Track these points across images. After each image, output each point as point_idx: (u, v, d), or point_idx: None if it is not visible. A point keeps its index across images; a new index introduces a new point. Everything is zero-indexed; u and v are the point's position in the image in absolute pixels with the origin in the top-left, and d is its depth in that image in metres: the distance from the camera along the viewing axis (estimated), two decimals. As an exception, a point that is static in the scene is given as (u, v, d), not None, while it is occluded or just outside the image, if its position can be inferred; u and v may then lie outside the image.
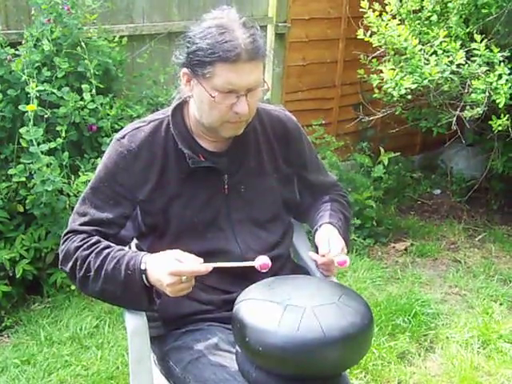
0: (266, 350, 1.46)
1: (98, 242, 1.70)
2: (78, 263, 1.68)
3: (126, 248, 1.74)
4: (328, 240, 1.79)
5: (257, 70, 1.66)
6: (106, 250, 1.68)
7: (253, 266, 1.61)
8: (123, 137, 1.77)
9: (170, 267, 1.56)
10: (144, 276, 1.62)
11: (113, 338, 3.01)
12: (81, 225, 1.74)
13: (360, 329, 1.50)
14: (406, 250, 4.12)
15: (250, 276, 1.67)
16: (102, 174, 1.77)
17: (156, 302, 1.70)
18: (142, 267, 1.62)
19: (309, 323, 1.45)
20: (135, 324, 1.74)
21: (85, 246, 1.69)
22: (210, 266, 1.57)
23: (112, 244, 1.71)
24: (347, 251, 1.85)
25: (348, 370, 1.84)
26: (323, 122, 4.51)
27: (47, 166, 2.99)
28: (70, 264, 1.70)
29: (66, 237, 1.75)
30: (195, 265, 1.57)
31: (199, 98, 1.69)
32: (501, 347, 2.99)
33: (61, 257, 1.74)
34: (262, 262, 1.60)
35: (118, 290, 1.66)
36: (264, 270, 1.59)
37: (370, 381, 2.75)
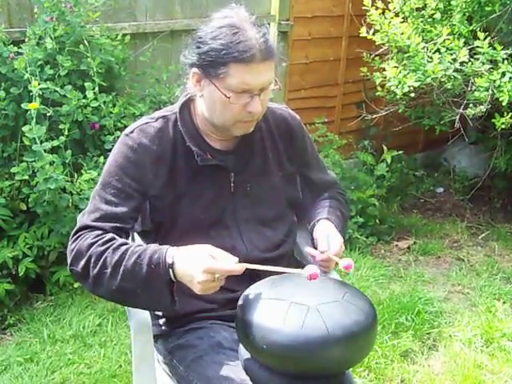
0: (269, 348, 1.45)
1: (114, 238, 1.62)
2: (93, 260, 1.59)
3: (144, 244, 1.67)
4: (327, 236, 1.79)
5: (270, 70, 1.66)
6: (124, 246, 1.60)
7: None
8: (132, 131, 1.76)
9: (205, 264, 1.49)
10: (171, 270, 1.54)
11: (116, 336, 3.01)
12: (93, 221, 1.66)
13: (364, 327, 1.50)
14: (408, 248, 4.12)
15: (254, 274, 1.66)
16: (112, 168, 1.73)
17: (176, 301, 1.60)
18: (169, 261, 1.54)
19: (313, 321, 1.45)
20: (138, 322, 1.74)
21: (99, 242, 1.60)
22: (244, 266, 1.52)
23: (128, 241, 1.65)
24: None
25: (351, 369, 1.84)
26: (326, 120, 4.51)
27: (50, 164, 2.98)
28: (83, 262, 1.60)
29: (76, 235, 1.66)
30: (231, 264, 1.52)
31: (211, 98, 1.68)
32: (504, 346, 2.98)
33: (71, 257, 1.64)
34: (313, 271, 1.53)
35: (139, 288, 1.57)
36: (314, 280, 1.52)
37: (373, 379, 2.75)
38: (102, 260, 1.58)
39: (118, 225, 1.67)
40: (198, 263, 1.50)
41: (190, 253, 1.55)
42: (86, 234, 1.64)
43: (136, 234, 1.88)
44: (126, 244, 1.62)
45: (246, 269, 1.61)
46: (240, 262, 1.71)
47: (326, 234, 1.80)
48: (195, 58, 1.67)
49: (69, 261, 1.65)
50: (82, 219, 1.69)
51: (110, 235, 1.63)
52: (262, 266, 1.57)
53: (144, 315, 1.74)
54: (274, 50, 1.66)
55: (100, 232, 1.64)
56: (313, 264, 1.59)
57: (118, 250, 1.59)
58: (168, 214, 1.75)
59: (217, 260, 1.51)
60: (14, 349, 2.92)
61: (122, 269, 1.56)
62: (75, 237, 1.66)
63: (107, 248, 1.59)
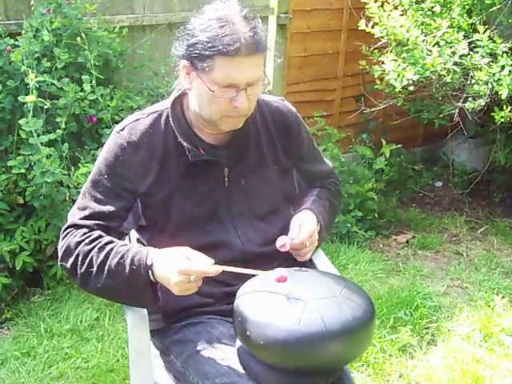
0: (267, 344, 1.45)
1: (100, 236, 1.67)
2: (80, 258, 1.64)
3: (129, 243, 1.71)
4: (300, 225, 1.78)
5: (257, 65, 1.64)
6: (110, 245, 1.64)
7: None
8: (122, 129, 1.76)
9: (179, 265, 1.53)
10: (150, 272, 1.59)
11: (113, 330, 3.01)
12: (81, 219, 1.71)
13: (362, 322, 1.49)
14: (407, 242, 4.11)
15: (251, 269, 1.65)
16: (102, 166, 1.74)
17: (160, 299, 1.67)
18: (149, 262, 1.59)
19: (310, 317, 1.44)
20: (135, 317, 1.74)
21: (86, 240, 1.65)
22: (220, 268, 1.55)
23: (114, 239, 1.68)
24: (323, 236, 1.87)
25: (349, 364, 1.83)
26: (324, 113, 4.49)
27: (47, 157, 2.97)
28: (71, 260, 1.66)
29: (65, 232, 1.71)
30: (206, 265, 1.54)
31: (198, 91, 1.67)
32: (502, 340, 2.98)
33: (61, 253, 1.70)
34: (281, 274, 1.56)
35: (122, 286, 1.63)
36: (282, 283, 1.55)
37: (372, 374, 2.74)
38: (88, 259, 1.63)
39: (105, 223, 1.70)
40: (174, 265, 1.54)
41: (167, 255, 1.59)
42: (73, 231, 1.69)
43: (133, 230, 1.88)
44: (112, 243, 1.66)
45: (243, 263, 1.60)
46: (235, 257, 1.71)
47: (299, 223, 1.79)
48: (184, 50, 1.66)
49: (59, 256, 1.70)
50: (71, 217, 1.74)
51: (96, 233, 1.67)
52: (236, 269, 1.59)
53: (141, 310, 1.74)
54: (263, 44, 1.64)
55: (87, 230, 1.69)
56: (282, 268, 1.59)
57: (103, 249, 1.64)
58: (161, 211, 1.75)
59: (191, 261, 1.54)
60: (11, 343, 2.91)
61: (106, 268, 1.62)
62: (64, 233, 1.71)
63: (93, 247, 1.64)
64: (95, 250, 1.63)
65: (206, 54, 1.60)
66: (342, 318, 1.46)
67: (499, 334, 3.02)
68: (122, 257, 1.61)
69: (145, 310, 1.75)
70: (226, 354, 1.65)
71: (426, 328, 3.08)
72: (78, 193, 2.99)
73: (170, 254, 1.58)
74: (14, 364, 2.77)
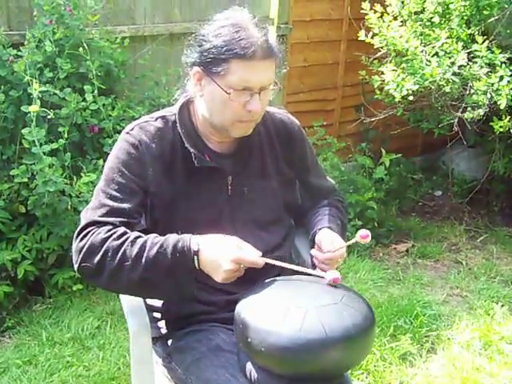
0: (268, 351, 1.46)
1: (126, 232, 1.62)
2: (110, 254, 1.57)
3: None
4: (331, 240, 1.79)
5: (271, 69, 1.68)
6: (142, 238, 1.60)
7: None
8: (132, 129, 1.76)
9: (233, 254, 1.56)
10: (196, 257, 1.57)
11: (114, 338, 3.01)
12: (101, 216, 1.65)
13: (362, 330, 1.50)
14: (407, 251, 4.12)
15: (252, 277, 1.66)
16: (115, 165, 1.72)
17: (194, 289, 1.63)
18: (195, 248, 1.57)
19: (311, 324, 1.45)
20: (137, 324, 1.74)
21: (114, 236, 1.60)
22: (264, 261, 1.60)
23: (142, 234, 1.64)
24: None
25: (349, 371, 1.84)
26: (324, 123, 4.51)
27: (49, 166, 2.98)
28: (98, 258, 1.58)
29: (85, 231, 1.63)
30: (256, 256, 1.59)
31: (211, 97, 1.69)
32: (502, 349, 2.98)
33: (82, 253, 1.60)
34: (335, 276, 1.61)
35: (162, 277, 1.58)
36: (336, 284, 1.60)
37: (372, 382, 2.75)
38: (120, 253, 1.58)
39: (125, 220, 1.66)
40: (227, 252, 1.56)
41: (217, 242, 1.60)
42: (95, 229, 1.63)
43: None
44: (142, 237, 1.62)
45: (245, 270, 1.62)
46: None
47: (331, 238, 1.80)
48: (197, 56, 1.69)
49: (78, 258, 1.62)
50: (88, 216, 1.67)
51: (122, 229, 1.63)
52: (283, 263, 1.63)
53: (143, 318, 1.75)
54: (275, 49, 1.68)
55: (111, 227, 1.63)
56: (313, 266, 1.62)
57: (135, 242, 1.59)
58: (165, 213, 1.75)
59: (244, 251, 1.58)
60: (13, 351, 2.92)
61: (143, 260, 1.57)
62: (84, 233, 1.63)
63: (124, 241, 1.59)
64: (127, 243, 1.59)
65: (221, 58, 1.63)
66: (342, 325, 1.47)
67: (499, 342, 3.02)
68: (161, 246, 1.58)
69: (147, 318, 1.75)
70: (227, 361, 1.66)
71: (425, 336, 3.09)
72: (80, 202, 3.05)
73: (220, 241, 1.60)
74: (15, 372, 2.77)
